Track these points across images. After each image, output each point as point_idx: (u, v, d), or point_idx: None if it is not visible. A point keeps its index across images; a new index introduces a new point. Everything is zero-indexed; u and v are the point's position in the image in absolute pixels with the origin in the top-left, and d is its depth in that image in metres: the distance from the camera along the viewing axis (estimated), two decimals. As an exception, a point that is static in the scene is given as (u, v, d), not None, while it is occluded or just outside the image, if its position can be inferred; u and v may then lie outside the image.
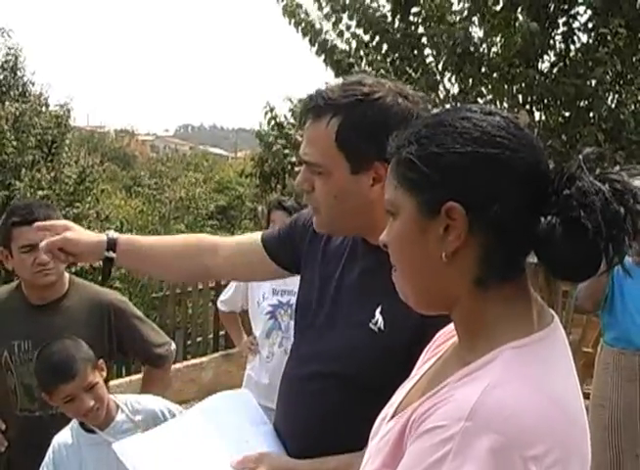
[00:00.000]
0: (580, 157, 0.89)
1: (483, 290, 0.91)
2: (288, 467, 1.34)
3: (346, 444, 1.23)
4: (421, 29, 5.19)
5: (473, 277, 0.91)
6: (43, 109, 12.79)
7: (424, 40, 5.20)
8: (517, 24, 4.57)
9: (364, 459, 1.02)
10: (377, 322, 1.32)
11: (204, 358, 5.88)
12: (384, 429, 0.99)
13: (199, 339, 6.47)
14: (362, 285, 1.39)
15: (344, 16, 5.43)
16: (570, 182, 0.87)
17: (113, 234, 1.64)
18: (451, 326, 1.05)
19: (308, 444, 1.37)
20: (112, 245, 1.61)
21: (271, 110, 6.65)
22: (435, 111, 1.01)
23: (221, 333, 6.25)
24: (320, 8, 5.51)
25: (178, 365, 5.32)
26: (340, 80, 1.39)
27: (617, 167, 0.89)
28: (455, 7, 5.15)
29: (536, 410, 0.82)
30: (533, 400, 0.83)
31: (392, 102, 1.30)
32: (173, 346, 2.51)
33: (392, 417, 0.99)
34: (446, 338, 1.07)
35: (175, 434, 1.43)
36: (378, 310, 1.33)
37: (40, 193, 10.06)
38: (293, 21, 5.62)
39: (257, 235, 1.67)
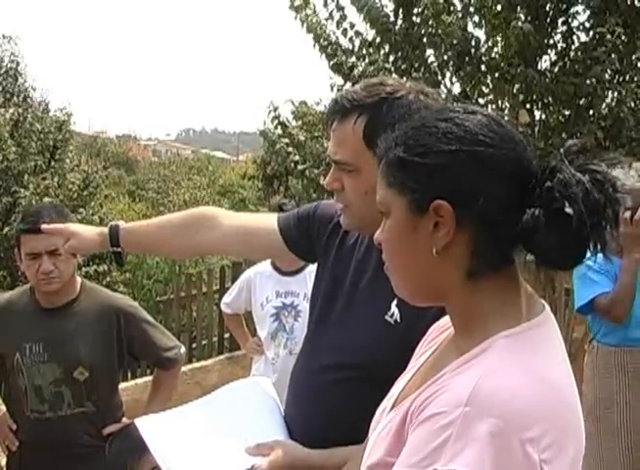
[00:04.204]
0: (562, 150, 0.92)
1: (475, 282, 0.94)
2: (301, 456, 1.36)
3: (358, 435, 1.24)
4: (422, 29, 5.20)
5: (464, 270, 0.94)
6: (45, 114, 12.83)
7: (425, 40, 5.21)
8: (511, 26, 4.58)
9: (365, 450, 1.04)
10: (393, 314, 1.35)
11: (209, 361, 5.89)
12: (384, 420, 1.01)
13: (204, 342, 6.50)
14: (378, 279, 1.40)
15: (349, 13, 5.45)
16: (551, 175, 0.90)
17: (115, 226, 1.72)
18: (444, 320, 1.08)
19: (319, 434, 1.39)
20: (114, 240, 1.70)
21: (274, 109, 6.68)
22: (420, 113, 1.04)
23: (226, 336, 6.27)
24: (325, 4, 5.53)
25: (183, 368, 5.30)
26: (362, 84, 1.43)
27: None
28: (453, 6, 5.16)
29: (532, 394, 0.85)
30: (528, 385, 0.86)
31: (414, 99, 1.36)
32: (183, 349, 2.55)
33: (391, 409, 1.02)
34: (440, 332, 1.10)
35: (194, 416, 1.46)
36: (394, 303, 1.35)
37: (46, 199, 10.07)
38: (299, 16, 5.63)
39: (270, 219, 1.67)
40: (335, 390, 1.41)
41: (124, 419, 2.41)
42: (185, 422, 1.45)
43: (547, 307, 0.99)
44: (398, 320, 1.36)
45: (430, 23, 5.03)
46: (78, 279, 2.39)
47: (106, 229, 1.73)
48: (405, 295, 1.02)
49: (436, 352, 1.06)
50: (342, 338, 1.44)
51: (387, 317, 1.37)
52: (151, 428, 1.42)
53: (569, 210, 0.87)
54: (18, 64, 14.27)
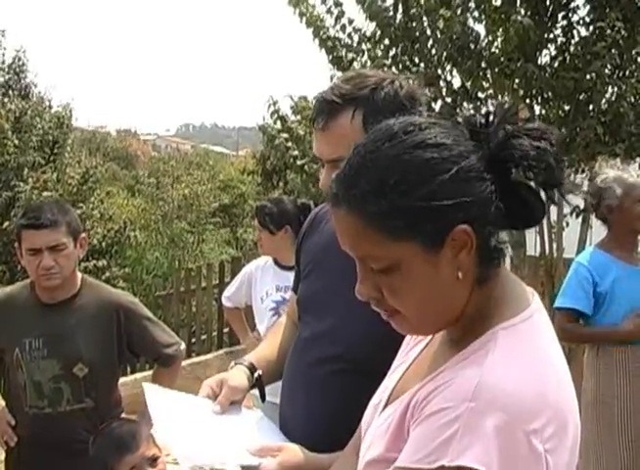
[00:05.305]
0: (504, 127, 0.93)
1: (484, 286, 0.95)
2: (310, 458, 1.35)
3: (355, 428, 1.25)
4: (421, 23, 5.19)
5: (474, 280, 0.94)
6: (46, 110, 12.85)
7: (425, 34, 5.20)
8: (511, 20, 4.58)
9: (363, 446, 1.04)
10: None
11: (208, 356, 5.91)
12: (383, 415, 1.01)
13: (203, 337, 6.51)
14: None
15: (347, 8, 5.44)
16: (504, 150, 0.91)
17: (249, 364, 1.60)
18: None
19: (316, 428, 1.39)
20: (258, 379, 1.58)
21: (274, 103, 6.68)
22: (375, 146, 0.93)
23: (225, 330, 6.29)
24: (324, 1, 5.51)
25: (182, 363, 5.32)
26: (341, 79, 1.44)
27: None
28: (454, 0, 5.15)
29: (533, 386, 0.87)
30: (530, 377, 0.88)
31: (399, 85, 1.38)
32: (183, 346, 2.56)
33: (387, 403, 1.02)
34: None
35: (199, 403, 1.47)
36: None
37: (45, 194, 10.05)
38: (297, 10, 5.62)
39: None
40: (332, 383, 1.41)
41: (123, 415, 2.41)
42: (190, 404, 1.46)
43: (536, 294, 1.00)
44: None
45: (429, 17, 5.02)
46: (79, 275, 2.39)
47: (243, 373, 1.59)
48: (427, 332, 1.01)
49: (430, 345, 1.06)
50: (332, 329, 1.44)
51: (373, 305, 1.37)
52: (156, 395, 1.43)
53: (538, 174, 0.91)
54: (19, 59, 14.27)
